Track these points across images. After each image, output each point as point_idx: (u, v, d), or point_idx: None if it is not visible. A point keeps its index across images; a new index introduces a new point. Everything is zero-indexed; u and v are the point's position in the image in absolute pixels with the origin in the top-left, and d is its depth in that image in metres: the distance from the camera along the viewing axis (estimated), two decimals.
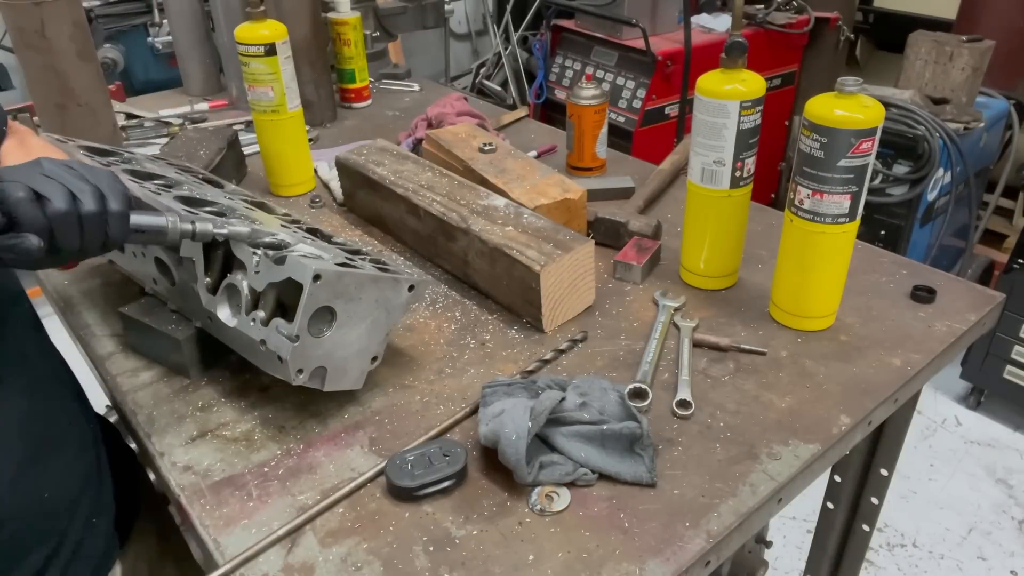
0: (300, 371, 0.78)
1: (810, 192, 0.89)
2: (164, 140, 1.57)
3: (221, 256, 0.86)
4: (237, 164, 1.45)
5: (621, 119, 2.81)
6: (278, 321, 0.78)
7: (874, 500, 1.23)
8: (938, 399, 2.63)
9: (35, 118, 1.59)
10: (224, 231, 0.77)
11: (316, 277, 0.75)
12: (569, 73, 3.10)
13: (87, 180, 0.66)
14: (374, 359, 0.87)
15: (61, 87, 1.41)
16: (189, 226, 0.74)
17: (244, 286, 0.81)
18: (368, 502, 0.76)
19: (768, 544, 1.45)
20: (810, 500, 1.24)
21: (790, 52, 3.08)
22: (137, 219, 0.71)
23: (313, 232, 0.98)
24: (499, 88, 3.95)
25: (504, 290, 1.02)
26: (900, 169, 2.39)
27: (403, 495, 0.75)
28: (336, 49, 1.77)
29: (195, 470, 0.80)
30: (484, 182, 1.19)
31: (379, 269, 0.86)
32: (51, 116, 1.44)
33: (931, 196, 2.43)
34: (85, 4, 2.45)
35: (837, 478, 1.24)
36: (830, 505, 1.28)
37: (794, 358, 0.94)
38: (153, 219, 0.72)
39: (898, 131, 2.33)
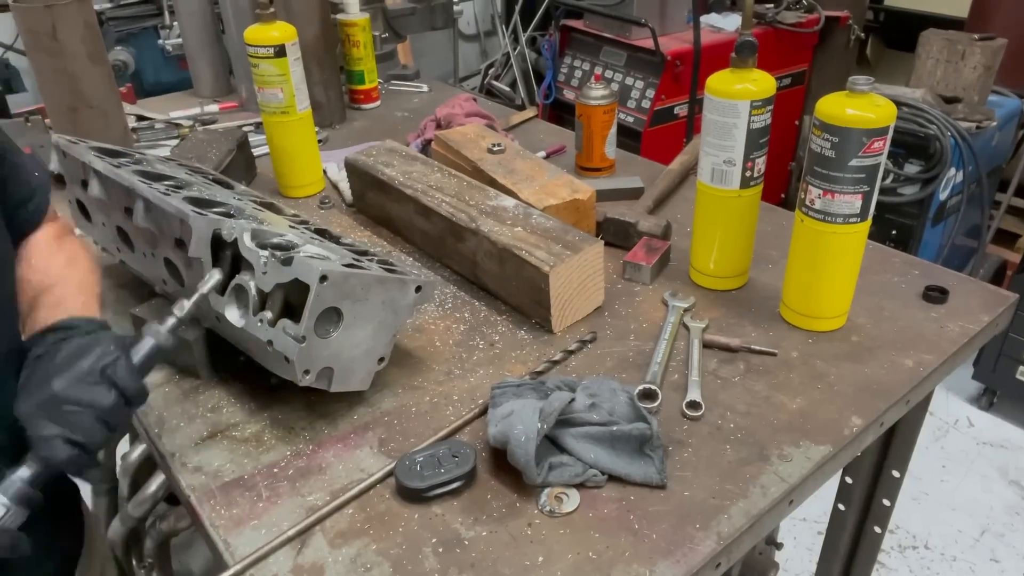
0: (307, 372, 0.79)
1: (821, 192, 0.88)
2: (175, 142, 1.58)
3: (229, 257, 0.86)
4: (247, 165, 1.46)
5: (630, 119, 2.80)
6: (285, 322, 0.78)
7: (886, 502, 1.22)
8: (950, 400, 2.61)
9: (47, 120, 1.60)
10: (196, 297, 0.79)
11: (323, 278, 0.75)
12: (578, 73, 3.10)
13: (107, 384, 0.68)
14: (381, 360, 0.87)
15: (73, 89, 1.42)
16: (174, 319, 0.77)
17: (252, 287, 0.81)
18: (377, 503, 0.76)
19: (779, 546, 1.44)
20: (821, 501, 1.24)
21: (800, 51, 3.06)
22: (140, 359, 0.73)
23: (321, 233, 0.99)
24: (508, 89, 3.95)
25: (513, 291, 1.02)
26: (911, 168, 2.37)
27: (412, 496, 0.75)
28: (345, 50, 1.77)
29: (205, 471, 0.80)
30: (493, 183, 1.19)
31: (386, 270, 0.86)
32: (63, 118, 1.45)
33: (943, 195, 2.42)
34: (96, 7, 2.47)
35: (848, 479, 1.23)
36: (841, 507, 1.27)
37: (805, 359, 0.93)
38: (147, 347, 0.74)
39: (909, 130, 2.32)
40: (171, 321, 0.76)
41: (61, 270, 0.84)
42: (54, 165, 1.42)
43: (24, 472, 0.67)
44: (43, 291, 0.80)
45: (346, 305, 0.79)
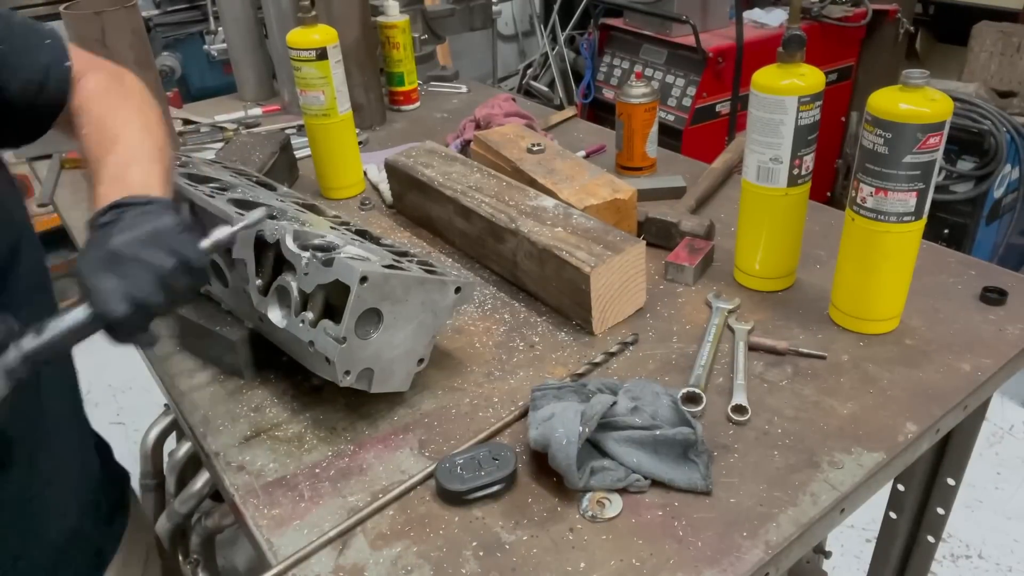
0: (347, 372, 0.79)
1: (873, 190, 0.85)
2: (219, 145, 1.60)
3: (272, 258, 0.87)
4: (289, 167, 1.47)
5: (671, 117, 2.77)
6: (326, 323, 0.78)
7: (940, 510, 1.17)
8: (1005, 404, 2.52)
9: None
10: (243, 223, 0.77)
11: (363, 279, 0.75)
12: (617, 72, 3.07)
13: (167, 251, 0.67)
14: (420, 361, 0.87)
15: None
16: (230, 229, 0.75)
17: (294, 288, 0.82)
18: (418, 505, 0.75)
19: (827, 554, 1.40)
20: (870, 508, 1.20)
21: (846, 46, 2.99)
22: (206, 243, 0.72)
23: (362, 234, 0.99)
24: (546, 88, 3.94)
25: (553, 292, 1.01)
26: (965, 165, 2.30)
27: (453, 499, 0.75)
28: (385, 52, 1.78)
29: (249, 470, 0.81)
30: (533, 183, 1.18)
31: (426, 271, 0.86)
32: None
33: (997, 193, 2.34)
34: (143, 13, 2.53)
35: (901, 487, 1.19)
36: (893, 515, 1.23)
37: (856, 362, 0.90)
38: (217, 234, 0.73)
39: (962, 126, 2.25)
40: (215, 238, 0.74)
41: (120, 131, 0.78)
42: None
43: (79, 314, 0.63)
44: (102, 158, 0.76)
45: (386, 306, 0.79)
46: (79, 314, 0.64)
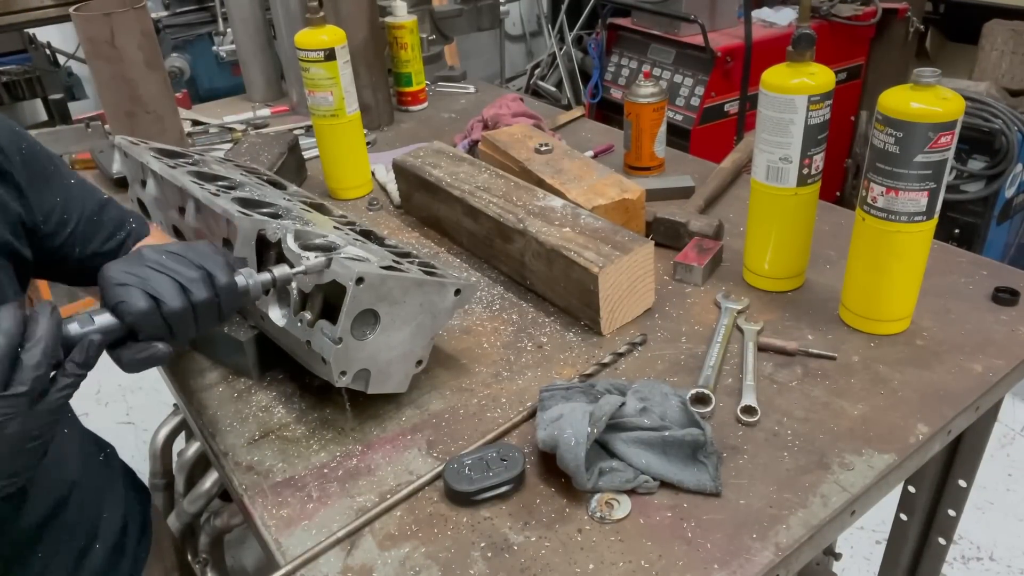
0: (343, 373, 0.79)
1: (884, 189, 0.85)
2: (228, 146, 1.61)
3: (274, 257, 0.87)
4: (297, 168, 1.48)
5: (679, 117, 2.76)
6: (323, 323, 0.78)
7: (951, 512, 1.17)
8: (1016, 405, 2.50)
9: (106, 126, 1.65)
10: (302, 268, 0.76)
11: (359, 280, 0.75)
12: (625, 72, 3.07)
13: (192, 264, 0.67)
14: (419, 363, 0.86)
15: (130, 95, 1.46)
16: (268, 277, 0.74)
17: (294, 287, 0.82)
18: (426, 505, 0.75)
19: (837, 556, 1.39)
20: (879, 510, 1.19)
21: (856, 45, 2.97)
22: (243, 281, 0.71)
23: (367, 234, 0.99)
24: (554, 88, 3.94)
25: (561, 292, 1.01)
26: (976, 164, 2.28)
27: (461, 499, 0.75)
28: (393, 53, 1.78)
29: (257, 470, 0.81)
30: (541, 183, 1.18)
31: (427, 273, 0.86)
32: (121, 123, 1.50)
33: (1009, 192, 2.32)
34: (153, 15, 2.54)
35: (911, 488, 1.18)
36: (904, 517, 1.22)
37: (866, 363, 0.89)
38: (255, 279, 0.72)
39: (974, 125, 2.23)
40: (265, 276, 0.73)
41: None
42: (117, 166, 1.46)
43: (103, 316, 0.62)
44: None
45: (383, 307, 0.79)
46: (103, 315, 0.63)
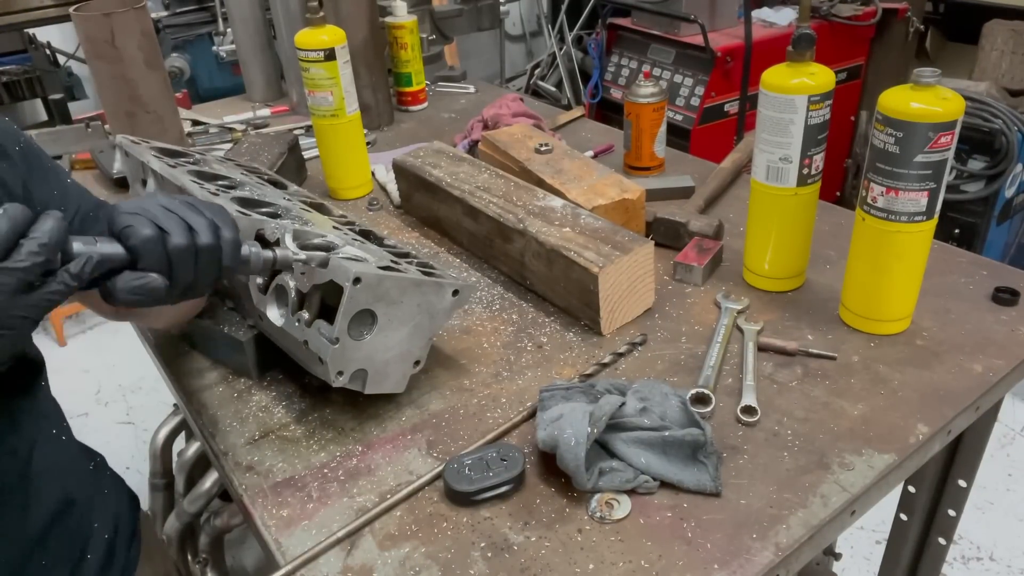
0: (340, 373, 0.79)
1: (884, 189, 0.85)
2: (228, 146, 1.61)
3: (273, 259, 0.87)
4: (297, 168, 1.48)
5: (679, 117, 2.76)
6: (320, 323, 0.78)
7: (951, 512, 1.17)
8: (1016, 406, 2.50)
9: (106, 126, 1.65)
10: (303, 256, 0.75)
11: (356, 280, 0.75)
12: (625, 72, 3.07)
13: (202, 213, 0.66)
14: (417, 363, 0.86)
15: (131, 95, 1.46)
16: (271, 255, 0.73)
17: (291, 287, 0.82)
18: (426, 505, 0.75)
19: (837, 556, 1.39)
20: (879, 510, 1.19)
21: (856, 45, 2.97)
22: (246, 249, 0.70)
23: (366, 234, 0.99)
24: (554, 88, 3.94)
25: (561, 292, 1.01)
26: (976, 164, 2.28)
27: (461, 499, 0.75)
28: (393, 53, 1.78)
29: (257, 470, 0.81)
30: (541, 183, 1.18)
31: (425, 273, 0.86)
32: (121, 123, 1.50)
33: (1009, 193, 2.32)
34: (153, 15, 2.54)
35: (911, 488, 1.18)
36: (904, 517, 1.22)
37: (866, 363, 0.89)
38: (258, 250, 0.71)
39: (974, 125, 2.23)
40: (268, 253, 0.72)
41: None
42: (118, 165, 1.46)
43: (106, 241, 0.60)
44: None
45: (380, 308, 0.79)
46: (106, 240, 0.61)
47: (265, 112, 1.83)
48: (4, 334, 0.55)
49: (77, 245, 0.59)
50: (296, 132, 1.61)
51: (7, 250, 0.54)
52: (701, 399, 0.84)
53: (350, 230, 0.97)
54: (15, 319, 0.55)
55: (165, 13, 2.93)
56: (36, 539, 0.75)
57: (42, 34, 2.96)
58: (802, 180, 0.95)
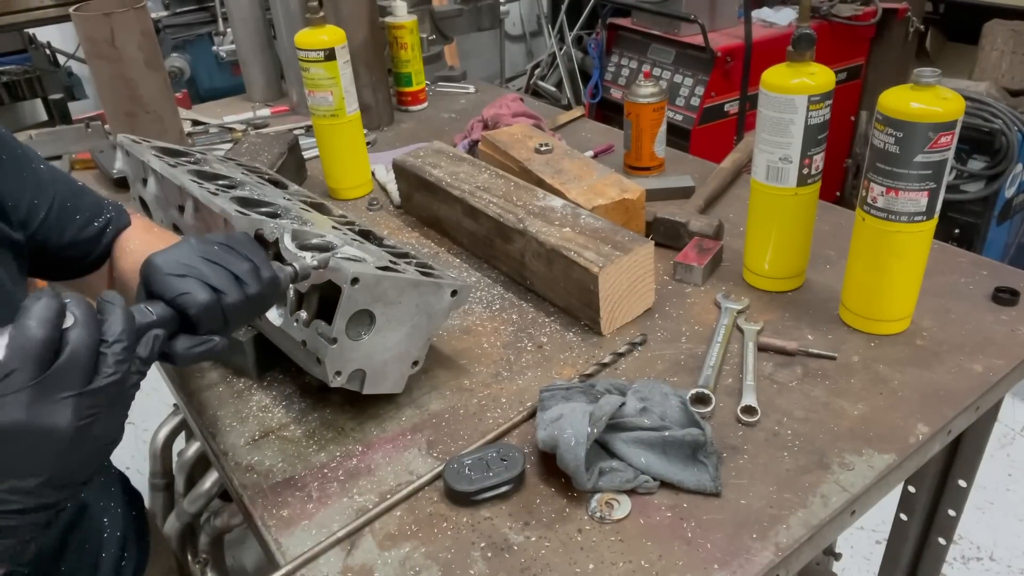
0: (338, 373, 0.78)
1: (884, 189, 0.85)
2: (228, 146, 1.61)
3: (271, 256, 0.87)
4: (297, 168, 1.48)
5: (679, 117, 2.76)
6: (318, 323, 0.78)
7: (951, 512, 1.17)
8: (1016, 406, 2.50)
9: (106, 126, 1.65)
10: (315, 263, 0.75)
11: (354, 280, 0.75)
12: (625, 72, 3.07)
13: (244, 256, 0.65)
14: (415, 363, 0.86)
15: (130, 95, 1.46)
16: (291, 270, 0.72)
17: (290, 287, 0.82)
18: (426, 505, 0.75)
19: (837, 556, 1.39)
20: (879, 510, 1.19)
21: (856, 45, 2.97)
22: (280, 274, 0.69)
23: (366, 234, 0.99)
24: (553, 88, 3.94)
25: (561, 292, 1.01)
26: (976, 164, 2.28)
27: (461, 499, 0.75)
28: (393, 53, 1.78)
29: (257, 470, 0.81)
30: (541, 183, 1.18)
31: (423, 273, 0.86)
32: (121, 123, 1.50)
33: (1009, 193, 2.32)
34: (153, 15, 2.54)
35: (911, 488, 1.18)
36: (904, 516, 1.22)
37: (866, 363, 0.89)
38: (284, 271, 0.70)
39: (974, 125, 2.23)
40: (289, 269, 0.71)
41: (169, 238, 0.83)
42: (118, 165, 1.46)
43: (156, 309, 0.58)
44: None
45: (378, 308, 0.79)
46: (158, 306, 0.59)
47: (265, 112, 1.83)
48: (110, 447, 0.54)
49: (137, 320, 0.56)
50: (296, 132, 1.61)
51: (94, 362, 0.50)
52: (701, 399, 0.84)
53: (349, 230, 0.97)
54: (118, 427, 0.54)
55: (165, 13, 2.93)
56: (57, 549, 0.75)
57: (42, 34, 2.96)
58: (802, 180, 0.95)
